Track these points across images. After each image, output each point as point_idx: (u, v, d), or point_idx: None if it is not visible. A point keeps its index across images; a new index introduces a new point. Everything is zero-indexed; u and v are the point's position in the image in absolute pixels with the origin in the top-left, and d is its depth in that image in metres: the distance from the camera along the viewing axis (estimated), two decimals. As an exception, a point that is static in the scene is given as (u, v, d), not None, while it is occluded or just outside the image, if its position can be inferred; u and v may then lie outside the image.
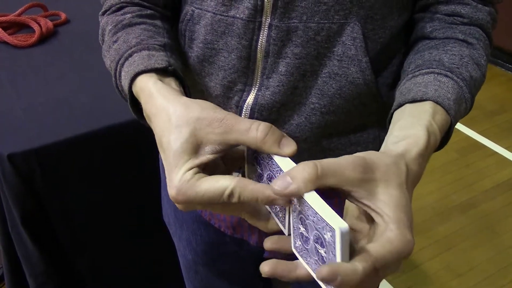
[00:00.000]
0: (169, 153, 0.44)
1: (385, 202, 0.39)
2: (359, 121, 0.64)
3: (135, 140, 1.04)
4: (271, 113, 0.61)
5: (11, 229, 1.04)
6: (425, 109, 0.50)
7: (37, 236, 1.03)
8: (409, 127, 0.48)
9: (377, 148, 0.66)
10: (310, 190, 0.38)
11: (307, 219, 0.39)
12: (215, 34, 0.59)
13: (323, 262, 0.39)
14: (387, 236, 0.38)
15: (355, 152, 0.65)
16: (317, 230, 0.38)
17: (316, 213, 0.38)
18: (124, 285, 1.24)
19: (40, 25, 1.34)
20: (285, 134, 0.44)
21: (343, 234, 0.36)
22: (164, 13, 0.66)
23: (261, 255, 0.75)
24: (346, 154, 0.65)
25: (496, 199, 2.12)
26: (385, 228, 0.38)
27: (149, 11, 0.64)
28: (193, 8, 0.61)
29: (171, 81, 0.53)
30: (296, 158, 0.65)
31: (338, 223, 0.36)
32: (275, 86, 0.59)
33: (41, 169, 0.99)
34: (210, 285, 0.87)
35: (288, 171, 0.39)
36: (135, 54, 0.56)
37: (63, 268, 1.12)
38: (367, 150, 0.66)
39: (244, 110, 0.61)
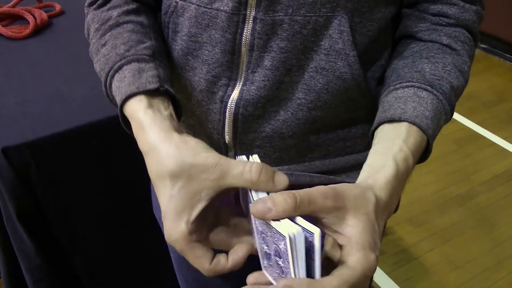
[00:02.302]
0: (165, 204, 0.46)
1: (353, 226, 0.42)
2: (348, 116, 0.63)
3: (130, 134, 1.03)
4: (256, 109, 0.60)
5: (7, 223, 1.03)
6: (400, 132, 0.51)
7: (33, 230, 1.02)
8: (382, 154, 0.50)
9: (365, 143, 0.66)
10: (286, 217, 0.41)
11: (267, 236, 0.42)
12: (199, 26, 0.58)
13: (282, 272, 0.42)
14: (350, 261, 0.41)
15: (343, 148, 0.66)
16: (275, 244, 0.41)
17: (272, 227, 0.40)
18: (119, 279, 1.24)
19: (34, 17, 1.33)
20: (276, 170, 0.45)
21: (291, 240, 0.38)
22: (148, 3, 0.65)
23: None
24: (334, 150, 0.65)
25: (494, 191, 2.11)
26: (349, 251, 0.41)
27: (134, 5, 0.63)
28: (177, 0, 0.60)
29: (160, 104, 0.53)
30: (284, 154, 0.65)
31: (287, 230, 0.38)
32: (260, 81, 0.58)
33: (35, 163, 0.98)
34: (203, 280, 0.86)
35: (271, 196, 0.41)
36: (125, 66, 0.55)
37: (59, 262, 1.11)
38: (356, 146, 0.67)
39: (228, 105, 0.60)
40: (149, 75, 0.54)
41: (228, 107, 0.60)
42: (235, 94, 0.60)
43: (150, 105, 0.52)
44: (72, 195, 1.07)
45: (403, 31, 0.61)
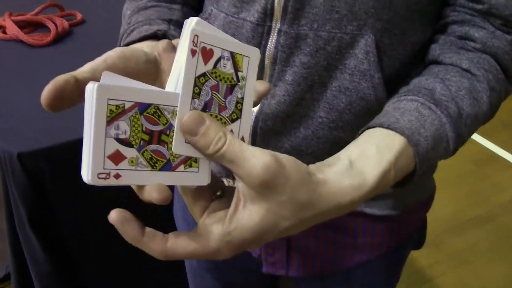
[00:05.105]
0: None
1: (251, 213, 0.38)
2: None
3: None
4: (275, 123, 0.59)
5: (18, 228, 1.04)
6: (393, 146, 0.45)
7: (44, 236, 1.03)
8: (368, 160, 0.43)
9: None
10: None
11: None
12: None
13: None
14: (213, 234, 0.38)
15: None
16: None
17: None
18: (129, 289, 1.23)
19: (56, 25, 1.35)
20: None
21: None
22: (187, 2, 0.66)
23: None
24: None
25: (513, 214, 2.07)
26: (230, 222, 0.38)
27: None
28: (212, 8, 0.61)
29: None
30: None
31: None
32: (281, 96, 0.57)
33: (50, 169, 0.98)
34: None
35: (208, 124, 0.38)
36: (136, 29, 0.56)
37: (68, 269, 1.11)
38: None
39: None
40: (154, 28, 0.56)
41: None
42: (255, 107, 0.59)
43: None
44: (85, 203, 1.07)
45: (429, 55, 0.57)
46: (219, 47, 0.39)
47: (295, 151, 0.60)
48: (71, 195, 1.04)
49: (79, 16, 1.45)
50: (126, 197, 1.11)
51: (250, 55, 0.41)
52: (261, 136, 0.60)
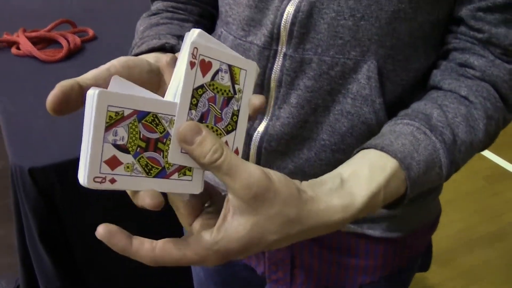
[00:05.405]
0: None
1: (241, 225, 0.39)
2: None
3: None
4: (279, 145, 0.59)
5: (29, 242, 1.05)
6: (385, 168, 0.45)
7: (54, 251, 1.03)
8: (359, 181, 0.44)
9: None
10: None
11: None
12: None
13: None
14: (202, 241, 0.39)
15: None
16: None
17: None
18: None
19: (68, 41, 1.37)
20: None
21: None
22: (200, 22, 0.67)
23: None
24: None
25: (525, 232, 2.04)
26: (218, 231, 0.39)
27: (181, 16, 0.66)
28: (222, 30, 0.62)
29: None
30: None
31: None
32: (285, 118, 0.58)
33: (60, 184, 0.99)
34: None
35: (204, 135, 0.39)
36: (146, 42, 0.57)
37: (78, 283, 1.11)
38: None
39: (254, 138, 0.60)
40: (162, 41, 0.56)
41: (253, 140, 0.61)
42: (261, 128, 0.60)
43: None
44: (95, 217, 1.07)
45: (430, 81, 0.58)
46: (218, 60, 0.40)
47: (299, 172, 0.61)
48: (81, 210, 1.05)
49: (91, 32, 1.47)
50: (133, 213, 1.12)
51: (248, 69, 0.43)
52: (266, 156, 0.61)
